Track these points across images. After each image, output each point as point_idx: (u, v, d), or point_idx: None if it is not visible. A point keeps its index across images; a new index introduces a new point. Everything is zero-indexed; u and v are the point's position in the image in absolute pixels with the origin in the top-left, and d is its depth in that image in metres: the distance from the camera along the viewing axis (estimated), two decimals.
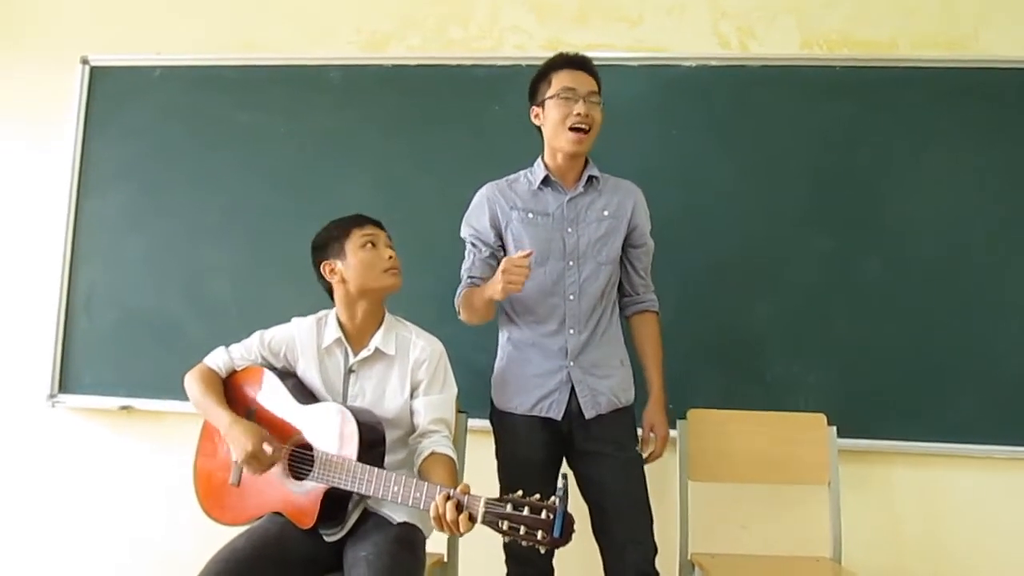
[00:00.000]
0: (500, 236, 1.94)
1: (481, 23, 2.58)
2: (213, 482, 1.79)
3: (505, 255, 1.93)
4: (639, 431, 1.95)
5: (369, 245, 1.80)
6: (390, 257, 1.81)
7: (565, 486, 1.39)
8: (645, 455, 1.94)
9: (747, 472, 2.15)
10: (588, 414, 1.84)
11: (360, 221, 1.85)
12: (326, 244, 1.84)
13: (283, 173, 2.54)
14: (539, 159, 1.97)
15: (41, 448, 2.64)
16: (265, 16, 2.67)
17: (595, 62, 1.92)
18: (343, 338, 1.82)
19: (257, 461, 1.64)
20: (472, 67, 2.50)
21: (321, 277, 1.85)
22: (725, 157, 2.37)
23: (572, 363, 1.86)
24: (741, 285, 2.32)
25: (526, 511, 1.40)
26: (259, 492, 1.72)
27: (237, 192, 2.56)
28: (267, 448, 1.65)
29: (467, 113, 2.48)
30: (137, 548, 2.56)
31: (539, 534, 1.38)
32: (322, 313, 1.88)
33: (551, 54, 2.44)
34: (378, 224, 1.87)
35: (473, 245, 1.98)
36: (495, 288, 1.76)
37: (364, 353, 1.80)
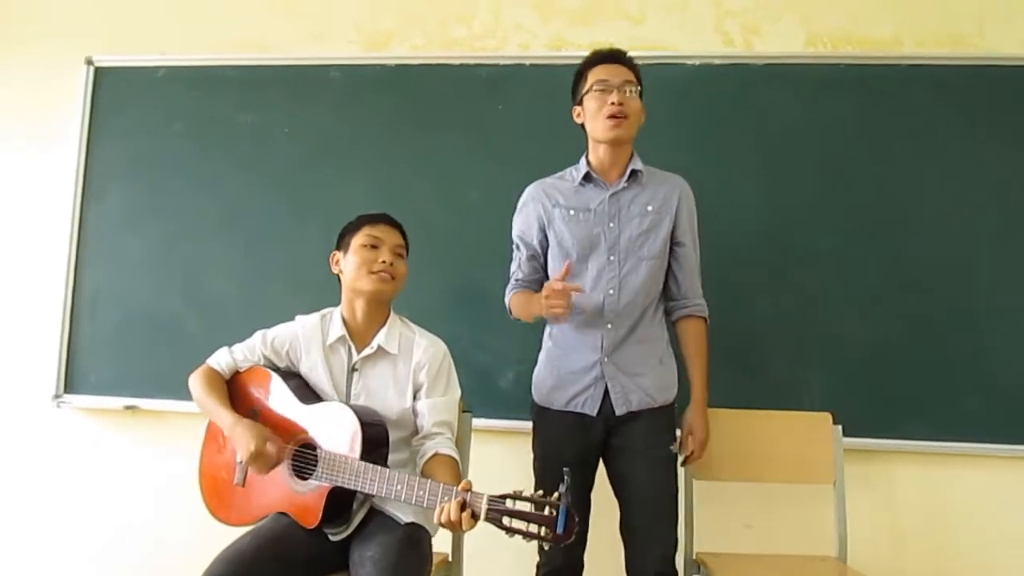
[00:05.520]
0: (544, 235, 1.94)
1: (484, 22, 2.57)
2: (218, 483, 1.79)
3: (547, 253, 1.95)
4: (678, 432, 1.95)
5: (370, 246, 1.80)
6: (383, 261, 1.78)
7: (568, 482, 1.39)
8: (682, 457, 1.94)
9: (752, 471, 2.14)
10: (619, 411, 1.85)
11: (374, 220, 1.85)
12: (341, 236, 1.87)
13: (285, 173, 2.54)
14: (583, 157, 1.96)
15: (46, 447, 2.64)
16: (267, 16, 2.67)
17: None
18: (347, 335, 1.82)
19: (262, 460, 1.64)
20: (475, 66, 2.50)
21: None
22: (729, 156, 2.37)
23: (606, 359, 1.86)
24: (745, 283, 2.31)
25: (529, 508, 1.40)
26: (264, 492, 1.72)
27: (240, 192, 2.56)
28: (270, 447, 1.65)
29: (470, 112, 2.48)
30: (141, 546, 2.56)
31: (542, 530, 1.38)
32: (327, 310, 1.88)
33: (554, 53, 2.48)
34: (395, 226, 1.86)
35: (517, 247, 2.00)
36: (540, 307, 1.80)
37: (367, 351, 1.80)
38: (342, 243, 1.86)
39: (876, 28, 2.41)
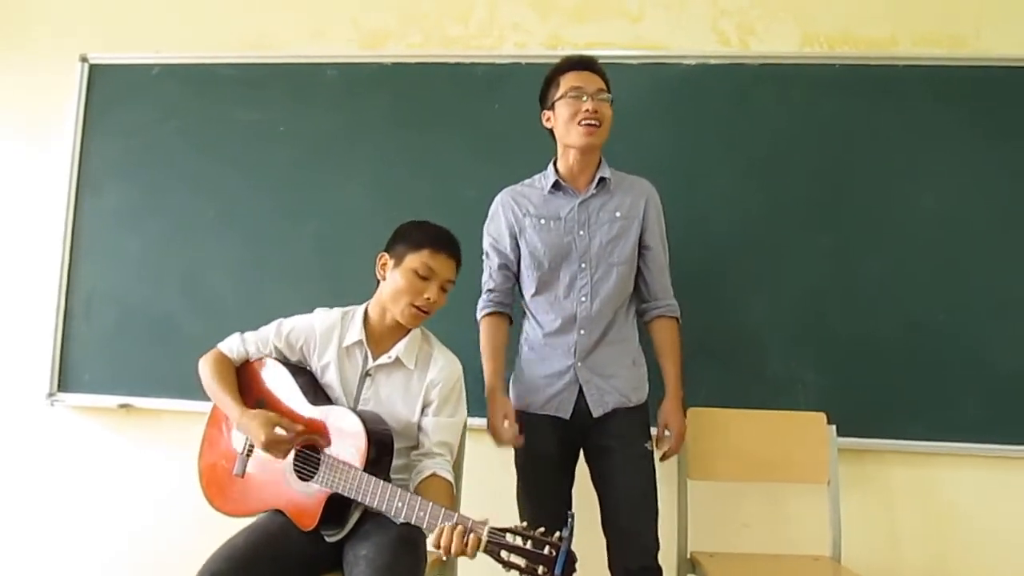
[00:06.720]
0: (516, 243, 1.97)
1: (481, 20, 2.57)
2: (217, 471, 1.78)
3: (520, 261, 1.97)
4: (653, 430, 1.97)
5: (423, 277, 1.74)
6: (428, 298, 1.74)
7: (571, 524, 1.37)
8: (660, 452, 1.96)
9: (746, 471, 2.14)
10: (595, 413, 1.88)
11: (438, 246, 1.75)
12: (398, 239, 1.79)
13: (281, 171, 2.53)
14: (551, 163, 1.98)
15: (40, 446, 2.64)
16: (263, 14, 2.67)
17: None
18: (364, 341, 1.79)
19: (276, 448, 1.64)
20: (472, 65, 2.49)
21: None
22: (724, 155, 2.37)
23: (580, 363, 1.89)
24: (740, 283, 2.32)
25: (529, 544, 1.37)
26: (262, 487, 1.72)
27: (235, 191, 2.55)
28: (279, 431, 1.64)
29: (467, 111, 2.47)
30: (135, 545, 2.56)
31: (539, 569, 1.35)
32: (349, 308, 1.85)
33: (551, 52, 2.47)
34: (454, 257, 1.78)
35: (487, 255, 2.01)
36: (491, 425, 1.88)
37: (384, 359, 1.78)
38: (395, 249, 1.78)
39: (872, 28, 2.41)
